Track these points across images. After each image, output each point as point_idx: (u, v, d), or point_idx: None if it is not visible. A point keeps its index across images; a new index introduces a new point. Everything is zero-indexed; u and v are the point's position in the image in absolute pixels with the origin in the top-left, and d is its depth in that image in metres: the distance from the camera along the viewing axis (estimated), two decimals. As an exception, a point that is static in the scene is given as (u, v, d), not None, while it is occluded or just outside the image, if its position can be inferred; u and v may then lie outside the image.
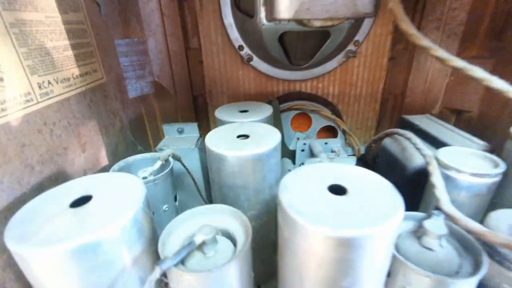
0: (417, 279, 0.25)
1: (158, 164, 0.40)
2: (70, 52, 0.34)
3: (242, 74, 0.59)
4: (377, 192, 0.23)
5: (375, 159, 0.57)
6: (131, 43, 0.47)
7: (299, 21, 0.38)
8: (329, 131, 0.64)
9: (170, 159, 0.42)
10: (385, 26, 0.55)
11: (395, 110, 0.64)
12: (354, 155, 0.64)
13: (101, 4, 0.40)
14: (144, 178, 0.37)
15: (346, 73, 0.59)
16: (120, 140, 0.45)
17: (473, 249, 0.27)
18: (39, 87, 0.28)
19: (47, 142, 0.29)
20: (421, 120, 0.52)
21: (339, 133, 0.63)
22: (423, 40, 0.32)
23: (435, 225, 0.27)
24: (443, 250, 0.27)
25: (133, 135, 0.50)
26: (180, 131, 0.55)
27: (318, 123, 0.62)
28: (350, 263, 0.21)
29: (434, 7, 0.51)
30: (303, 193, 0.24)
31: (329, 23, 0.37)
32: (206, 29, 0.54)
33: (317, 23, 0.37)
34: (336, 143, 0.54)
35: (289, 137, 0.63)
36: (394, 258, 0.26)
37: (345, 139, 0.65)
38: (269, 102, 0.55)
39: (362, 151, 0.64)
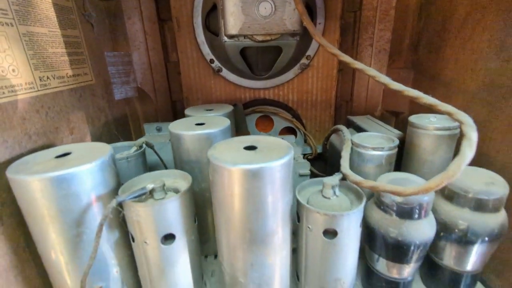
0: (313, 217, 0.33)
1: (133, 149, 0.49)
2: (66, 58, 0.44)
3: (214, 83, 0.70)
4: (278, 149, 0.32)
5: (329, 154, 0.66)
6: (118, 55, 0.58)
7: (246, 36, 0.49)
8: (291, 132, 0.73)
9: (144, 145, 0.51)
10: (331, 43, 0.67)
11: (347, 114, 0.74)
12: (312, 153, 0.73)
13: (94, 24, 0.52)
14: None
15: (302, 82, 0.70)
16: (104, 132, 0.54)
17: (360, 197, 0.35)
18: (40, 79, 0.38)
19: (42, 120, 0.38)
20: (360, 119, 0.62)
21: (298, 133, 0.72)
22: (333, 49, 0.43)
23: (331, 179, 0.35)
24: (338, 199, 0.35)
25: (117, 131, 0.60)
26: (159, 129, 0.65)
27: (279, 124, 0.71)
28: (249, 192, 0.29)
29: (366, 28, 0.63)
30: (224, 150, 0.33)
31: (267, 38, 0.48)
32: (183, 46, 0.65)
33: (259, 38, 0.48)
34: (290, 138, 0.63)
35: (255, 137, 0.73)
36: (301, 205, 0.35)
37: (305, 140, 0.74)
38: (234, 105, 0.65)
39: (320, 150, 0.73)
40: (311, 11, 0.63)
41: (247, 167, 0.28)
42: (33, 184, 0.28)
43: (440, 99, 0.49)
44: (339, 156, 0.55)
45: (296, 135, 0.73)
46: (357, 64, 0.42)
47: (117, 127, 0.59)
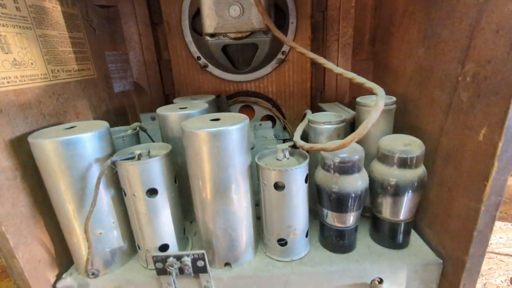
0: (265, 173, 0.41)
1: (129, 131, 0.58)
2: (72, 55, 0.54)
3: (201, 78, 0.79)
4: (236, 119, 0.41)
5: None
6: (117, 54, 0.68)
7: (223, 35, 0.58)
8: (271, 120, 0.82)
9: (138, 128, 0.60)
10: (304, 40, 0.75)
11: (321, 102, 0.82)
12: (290, 139, 0.81)
13: (96, 28, 0.62)
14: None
15: (280, 75, 0.79)
16: (105, 118, 0.64)
17: (305, 158, 0.43)
18: (52, 72, 0.48)
19: (54, 104, 0.48)
20: (328, 106, 0.70)
21: (278, 121, 0.81)
22: (290, 42, 0.52)
23: (282, 145, 0.44)
24: (288, 160, 0.44)
25: (117, 119, 0.69)
26: (153, 118, 0.74)
27: (260, 113, 0.80)
28: (211, 150, 0.38)
29: (332, 26, 0.71)
30: (195, 122, 0.41)
31: (239, 35, 0.57)
32: (173, 46, 0.75)
33: (232, 35, 0.57)
34: (268, 124, 0.72)
35: (239, 125, 0.81)
36: (258, 166, 0.43)
37: (284, 127, 0.83)
38: (218, 96, 0.74)
39: (297, 135, 0.81)
40: (284, 13, 0.72)
41: (209, 130, 0.37)
42: (48, 146, 0.37)
43: (390, 84, 0.58)
44: (306, 134, 0.63)
45: (275, 123, 0.81)
46: (310, 54, 0.50)
47: (116, 115, 0.68)
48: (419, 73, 0.49)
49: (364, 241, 0.50)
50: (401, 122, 0.54)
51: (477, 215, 0.37)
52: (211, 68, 0.77)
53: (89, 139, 0.39)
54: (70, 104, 0.52)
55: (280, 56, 0.76)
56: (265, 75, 0.78)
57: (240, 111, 0.81)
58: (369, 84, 0.40)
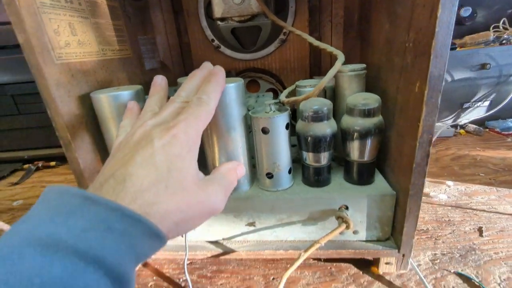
0: (255, 121, 0.55)
1: (157, 98, 0.74)
2: (115, 39, 0.71)
3: (215, 57, 0.93)
4: (233, 81, 0.55)
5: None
6: (146, 39, 0.84)
7: (228, 18, 0.71)
8: (275, 92, 0.95)
9: (163, 96, 0.76)
10: (302, 22, 0.87)
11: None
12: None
13: (131, 17, 0.78)
14: (148, 102, 0.72)
15: (282, 53, 0.91)
16: (139, 90, 0.81)
17: (286, 110, 0.56)
18: (102, 50, 0.65)
19: (104, 74, 0.65)
20: (320, 78, 0.81)
21: (279, 93, 0.93)
22: (281, 22, 0.64)
23: (269, 101, 0.57)
24: (273, 113, 0.57)
25: (146, 93, 0.86)
26: (175, 91, 0.90)
27: (264, 86, 0.93)
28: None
29: (326, 8, 0.82)
30: (204, 83, 0.56)
31: (242, 18, 0.70)
32: (192, 30, 0.90)
33: (236, 19, 0.71)
34: (269, 95, 0.85)
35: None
36: (250, 116, 0.57)
37: (286, 99, 0.95)
38: (228, 72, 0.88)
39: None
40: (284, -2, 0.84)
41: (212, 86, 0.51)
42: (103, 99, 0.54)
43: (370, 56, 0.69)
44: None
45: (277, 95, 0.94)
46: (296, 31, 0.63)
47: (146, 88, 0.85)
48: (386, 45, 0.59)
49: (337, 181, 0.62)
50: (375, 87, 0.64)
51: (415, 150, 0.48)
52: (223, 49, 0.92)
53: (128, 94, 0.56)
54: (115, 76, 0.69)
55: (282, 36, 0.88)
56: (269, 53, 0.91)
57: (249, 85, 0.95)
58: (330, 49, 0.52)
